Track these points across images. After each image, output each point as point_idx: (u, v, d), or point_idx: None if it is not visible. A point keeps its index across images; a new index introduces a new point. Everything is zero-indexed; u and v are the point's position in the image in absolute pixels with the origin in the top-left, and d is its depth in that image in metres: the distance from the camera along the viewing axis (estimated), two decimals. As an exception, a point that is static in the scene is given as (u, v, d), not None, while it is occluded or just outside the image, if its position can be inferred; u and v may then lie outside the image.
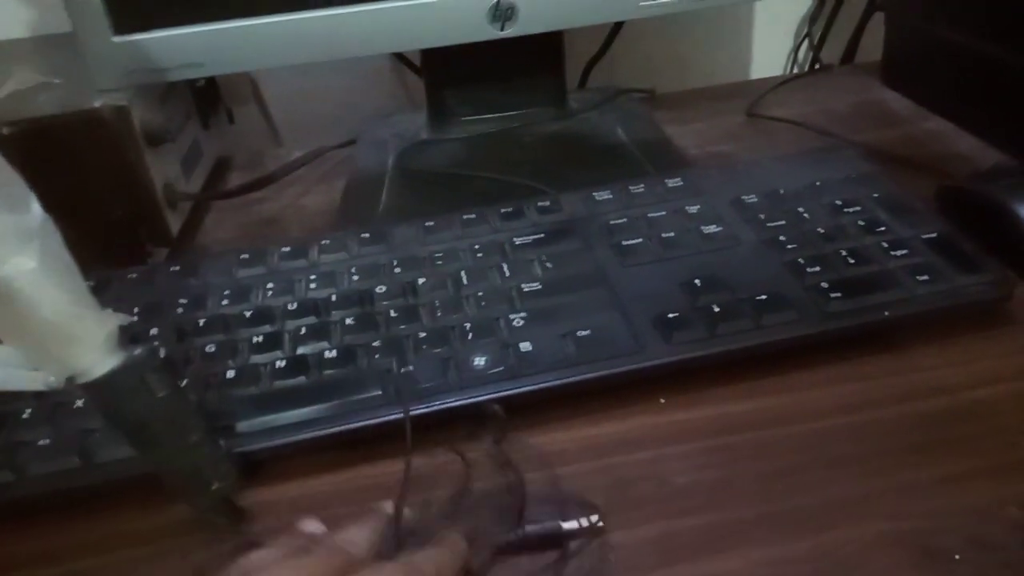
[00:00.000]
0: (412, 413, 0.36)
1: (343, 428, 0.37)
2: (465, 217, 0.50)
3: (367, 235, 0.49)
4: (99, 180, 0.50)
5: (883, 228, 0.45)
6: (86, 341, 0.30)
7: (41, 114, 0.48)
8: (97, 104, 0.49)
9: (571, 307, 0.42)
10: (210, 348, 0.41)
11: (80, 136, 0.49)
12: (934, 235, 0.44)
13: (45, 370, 0.30)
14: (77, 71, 0.52)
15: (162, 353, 0.41)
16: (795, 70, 0.82)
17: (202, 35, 0.50)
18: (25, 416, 0.38)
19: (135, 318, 0.44)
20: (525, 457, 0.37)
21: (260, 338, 0.42)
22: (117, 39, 0.50)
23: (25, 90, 0.51)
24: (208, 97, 0.65)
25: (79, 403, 0.38)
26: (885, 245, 0.44)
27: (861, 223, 0.45)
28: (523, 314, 0.42)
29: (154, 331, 0.43)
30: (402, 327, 0.42)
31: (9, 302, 0.29)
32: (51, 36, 0.65)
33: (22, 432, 0.38)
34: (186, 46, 0.50)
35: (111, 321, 0.31)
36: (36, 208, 0.30)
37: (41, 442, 0.37)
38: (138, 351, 0.31)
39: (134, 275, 0.48)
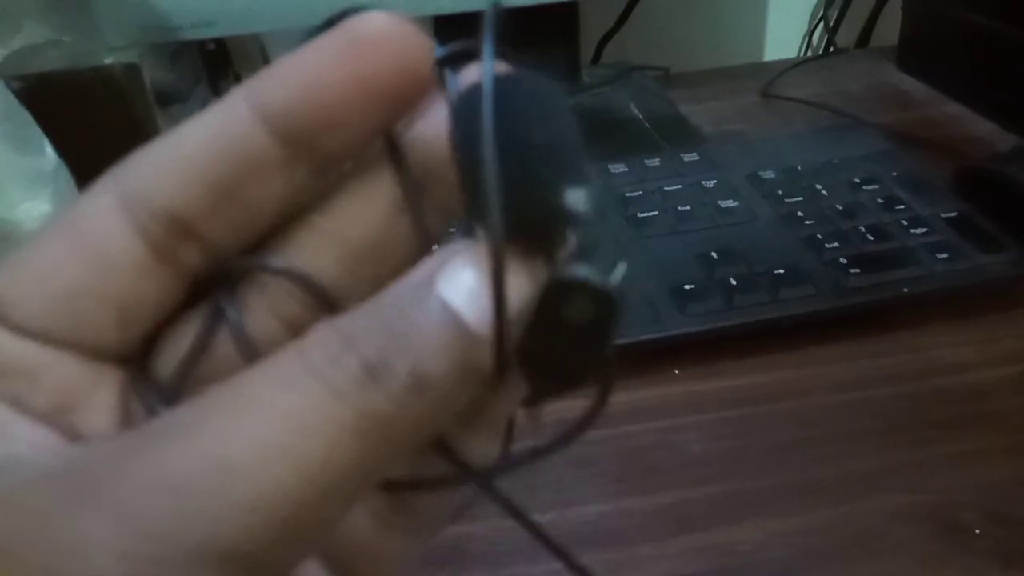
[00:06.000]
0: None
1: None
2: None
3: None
4: (109, 138, 0.49)
5: (902, 206, 0.45)
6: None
7: (51, 69, 0.48)
8: (108, 61, 0.48)
9: (586, 276, 0.41)
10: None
11: (90, 93, 0.48)
12: (954, 214, 0.44)
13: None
14: (87, 29, 0.51)
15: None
16: (809, 53, 0.82)
17: (215, -6, 0.49)
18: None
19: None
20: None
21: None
22: (129, -5, 0.49)
23: (35, 46, 0.50)
24: (218, 61, 0.64)
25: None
26: (904, 222, 0.43)
27: (880, 200, 0.45)
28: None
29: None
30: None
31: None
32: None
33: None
34: (197, 5, 0.49)
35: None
36: (50, 152, 0.30)
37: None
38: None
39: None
